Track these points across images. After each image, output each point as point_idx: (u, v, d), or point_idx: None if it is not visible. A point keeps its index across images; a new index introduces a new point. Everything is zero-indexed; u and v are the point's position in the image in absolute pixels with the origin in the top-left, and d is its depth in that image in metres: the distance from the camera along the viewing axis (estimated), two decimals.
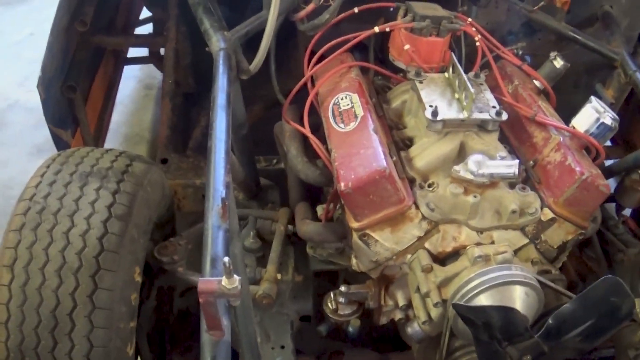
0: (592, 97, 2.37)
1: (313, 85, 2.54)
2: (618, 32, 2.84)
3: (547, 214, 2.21)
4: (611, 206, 2.86)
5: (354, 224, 2.13)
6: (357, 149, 2.16)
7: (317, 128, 2.44)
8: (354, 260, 2.25)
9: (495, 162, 2.15)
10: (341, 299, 2.28)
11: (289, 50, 2.76)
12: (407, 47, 2.44)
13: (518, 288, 2.04)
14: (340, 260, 2.42)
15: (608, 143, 3.56)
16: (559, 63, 2.55)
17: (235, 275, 1.41)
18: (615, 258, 2.65)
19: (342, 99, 2.39)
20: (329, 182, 2.40)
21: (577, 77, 3.05)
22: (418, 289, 2.14)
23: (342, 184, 2.06)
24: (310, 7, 2.51)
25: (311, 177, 2.42)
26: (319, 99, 2.49)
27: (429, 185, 2.17)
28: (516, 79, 2.57)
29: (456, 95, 2.30)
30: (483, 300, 2.02)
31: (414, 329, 2.22)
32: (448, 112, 2.23)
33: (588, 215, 2.28)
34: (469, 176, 2.14)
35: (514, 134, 2.45)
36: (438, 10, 2.54)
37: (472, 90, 2.19)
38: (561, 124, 2.35)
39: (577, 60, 2.90)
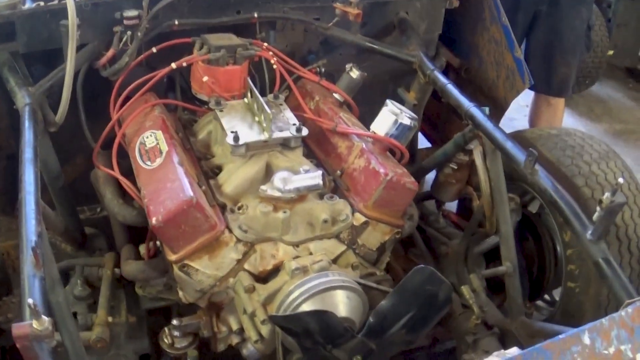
0: (388, 101, 2.57)
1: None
2: (414, 35, 3.05)
3: (359, 219, 2.38)
4: (432, 203, 3.07)
5: (172, 257, 2.24)
6: (163, 184, 2.27)
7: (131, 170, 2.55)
8: (180, 293, 2.34)
9: (299, 176, 2.32)
10: (175, 333, 2.36)
11: (103, 97, 2.85)
12: (205, 78, 2.59)
13: (339, 292, 2.19)
14: (170, 296, 2.50)
15: (427, 144, 3.82)
16: (355, 74, 2.76)
17: (44, 317, 1.50)
18: (440, 251, 2.84)
19: (147, 138, 2.50)
20: (147, 221, 2.51)
21: (383, 86, 3.24)
22: (245, 310, 2.26)
23: (153, 219, 2.16)
24: (110, 53, 2.63)
25: (129, 218, 2.52)
26: (127, 141, 2.60)
27: (239, 208, 2.31)
28: (317, 95, 2.76)
29: (256, 119, 2.46)
30: (306, 308, 2.15)
31: (248, 349, 2.33)
32: (249, 135, 2.39)
33: (400, 213, 2.47)
34: (277, 193, 2.29)
35: (319, 147, 2.63)
36: (233, 40, 2.70)
37: (268, 110, 2.35)
38: (361, 131, 2.54)
39: (381, 69, 3.12)
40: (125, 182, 2.45)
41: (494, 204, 2.56)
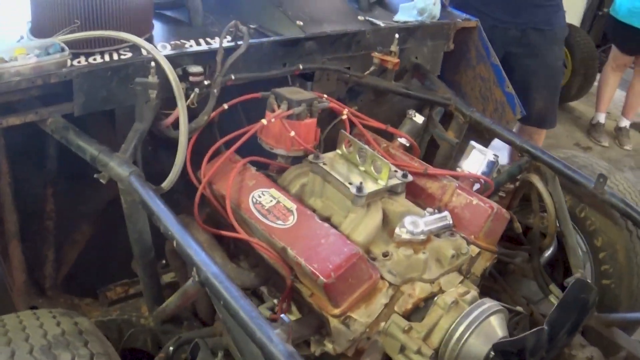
0: (471, 142, 2.82)
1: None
2: (436, 79, 3.32)
3: (475, 250, 2.60)
4: None
5: (335, 311, 2.27)
6: (316, 240, 2.31)
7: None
8: (329, 346, 2.37)
9: (429, 218, 2.48)
10: None
11: None
12: (292, 133, 2.63)
13: (494, 317, 2.38)
14: (302, 352, 2.54)
15: None
16: (419, 119, 2.97)
17: None
18: (508, 270, 3.13)
19: (260, 197, 2.51)
20: (265, 283, 2.53)
21: (394, 125, 3.46)
22: (403, 350, 2.36)
23: (323, 276, 2.17)
24: (177, 111, 2.54)
25: (247, 281, 2.50)
26: (233, 204, 2.56)
27: (384, 255, 2.42)
28: (382, 142, 2.92)
29: (362, 168, 2.58)
30: (474, 338, 2.32)
31: None
32: (365, 185, 2.48)
33: (497, 240, 2.72)
34: (410, 236, 2.44)
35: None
36: (303, 93, 2.78)
37: (386, 161, 2.49)
38: (453, 172, 2.77)
39: (394, 109, 3.33)
40: (259, 244, 2.41)
41: (560, 221, 2.89)
